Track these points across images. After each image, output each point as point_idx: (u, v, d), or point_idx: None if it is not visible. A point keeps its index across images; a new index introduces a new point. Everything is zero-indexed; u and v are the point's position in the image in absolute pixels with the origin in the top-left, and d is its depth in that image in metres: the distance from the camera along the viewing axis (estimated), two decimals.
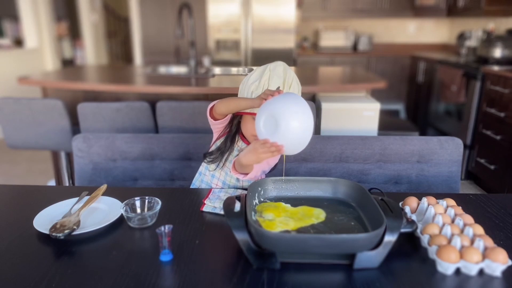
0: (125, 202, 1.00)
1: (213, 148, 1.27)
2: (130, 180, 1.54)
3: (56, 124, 2.19)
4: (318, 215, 0.95)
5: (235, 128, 1.23)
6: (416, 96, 4.48)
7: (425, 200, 1.01)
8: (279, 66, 1.13)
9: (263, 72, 1.13)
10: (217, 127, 1.23)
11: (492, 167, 2.86)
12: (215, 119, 1.19)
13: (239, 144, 1.24)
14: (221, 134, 1.25)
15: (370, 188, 1.01)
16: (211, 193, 1.16)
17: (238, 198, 0.92)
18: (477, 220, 0.94)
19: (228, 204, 0.89)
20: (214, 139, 1.28)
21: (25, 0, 4.87)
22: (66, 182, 2.61)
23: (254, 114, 1.08)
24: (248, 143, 1.21)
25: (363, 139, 1.51)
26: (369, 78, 2.60)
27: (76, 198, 1.09)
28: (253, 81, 1.13)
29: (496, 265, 0.77)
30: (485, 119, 2.99)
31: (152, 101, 2.13)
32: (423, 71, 4.27)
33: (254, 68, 1.14)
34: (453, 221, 0.94)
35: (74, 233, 0.91)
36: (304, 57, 4.68)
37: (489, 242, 0.84)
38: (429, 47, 5.06)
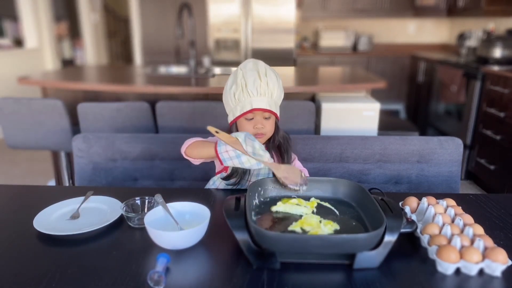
0: (125, 202, 1.00)
1: (229, 171, 1.18)
2: (130, 180, 1.54)
3: (56, 124, 2.19)
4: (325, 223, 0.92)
5: None
6: (416, 96, 4.48)
7: (425, 200, 1.01)
8: (248, 63, 1.15)
9: (236, 74, 1.14)
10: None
11: (492, 167, 2.86)
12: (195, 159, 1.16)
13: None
14: None
15: (370, 188, 1.01)
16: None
17: (238, 198, 0.92)
18: (477, 220, 0.94)
19: (228, 204, 0.89)
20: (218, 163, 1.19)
21: (25, 0, 4.87)
22: (66, 182, 2.61)
23: (246, 113, 1.11)
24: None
25: (363, 139, 1.51)
26: (369, 78, 2.60)
27: (76, 198, 1.09)
28: (230, 86, 1.15)
29: (496, 265, 0.77)
30: (485, 119, 2.99)
31: (152, 101, 2.13)
32: (423, 71, 4.26)
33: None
34: (453, 221, 0.94)
35: (74, 233, 0.91)
36: (304, 57, 4.67)
37: (489, 242, 0.84)
38: (429, 47, 5.06)
